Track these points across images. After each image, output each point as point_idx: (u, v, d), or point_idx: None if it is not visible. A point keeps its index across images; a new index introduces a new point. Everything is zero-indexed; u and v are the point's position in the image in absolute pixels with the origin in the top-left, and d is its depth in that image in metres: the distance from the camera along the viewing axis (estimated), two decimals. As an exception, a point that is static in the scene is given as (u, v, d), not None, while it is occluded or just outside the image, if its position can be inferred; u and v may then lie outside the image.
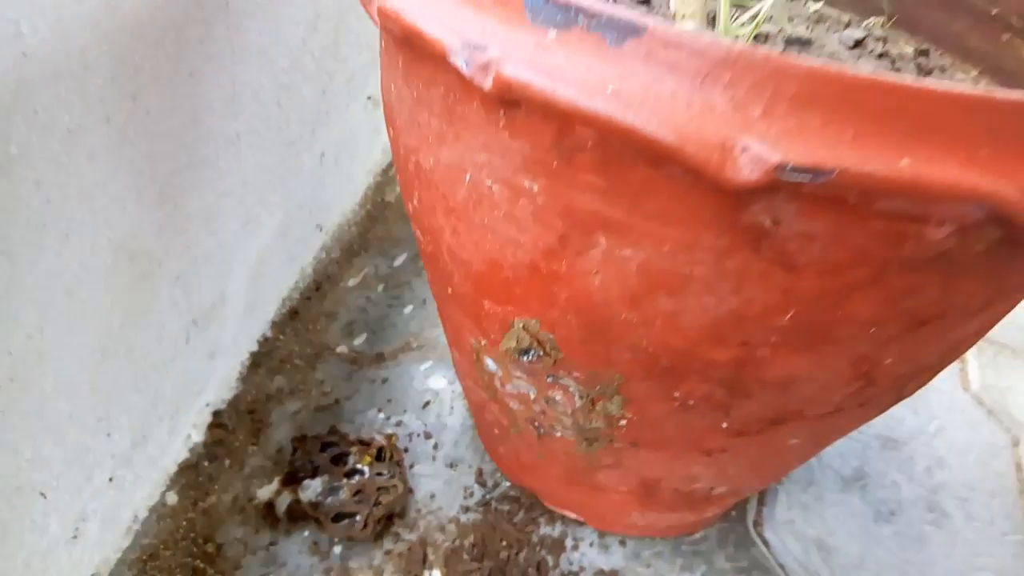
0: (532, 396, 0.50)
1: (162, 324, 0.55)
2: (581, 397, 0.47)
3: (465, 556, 0.60)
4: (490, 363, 0.51)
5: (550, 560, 0.61)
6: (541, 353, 0.45)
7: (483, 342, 0.49)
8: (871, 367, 0.39)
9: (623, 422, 0.47)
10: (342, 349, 0.76)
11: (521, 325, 0.44)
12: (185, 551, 0.59)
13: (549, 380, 0.47)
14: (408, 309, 0.81)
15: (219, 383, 0.67)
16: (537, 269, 0.40)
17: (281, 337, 0.75)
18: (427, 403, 0.72)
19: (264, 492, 0.62)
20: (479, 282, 0.44)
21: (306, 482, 0.61)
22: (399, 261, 0.87)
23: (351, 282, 0.83)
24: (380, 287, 0.84)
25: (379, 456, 0.64)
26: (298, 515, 0.61)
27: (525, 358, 0.46)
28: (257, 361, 0.72)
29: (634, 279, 0.37)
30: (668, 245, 0.35)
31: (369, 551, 0.60)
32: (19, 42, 0.35)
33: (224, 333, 0.66)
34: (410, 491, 0.64)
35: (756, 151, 0.29)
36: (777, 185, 0.29)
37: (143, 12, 0.43)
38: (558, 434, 0.52)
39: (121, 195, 0.46)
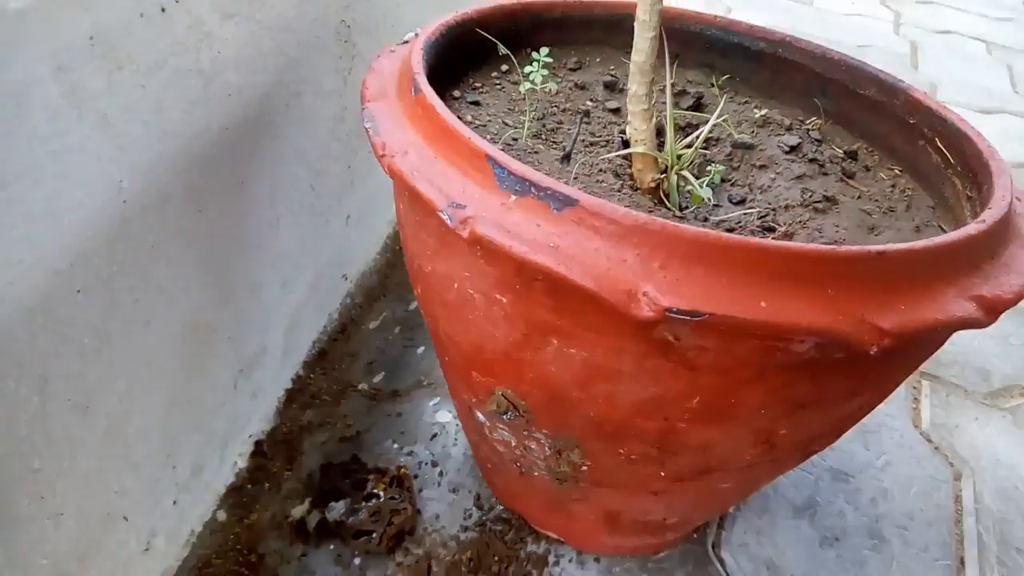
0: (513, 443, 0.62)
1: (216, 376, 0.68)
2: (550, 448, 0.58)
3: (463, 569, 0.72)
4: (480, 416, 0.62)
5: (535, 573, 0.72)
6: (517, 414, 0.56)
7: (473, 400, 0.61)
8: (769, 436, 0.50)
9: (584, 468, 0.58)
10: (363, 386, 0.88)
11: (500, 392, 0.56)
12: (233, 560, 0.71)
13: (525, 433, 0.58)
14: (420, 350, 0.93)
15: (260, 418, 0.80)
16: (509, 355, 0.51)
17: (312, 376, 0.87)
18: (435, 435, 0.84)
19: (297, 511, 0.75)
20: (467, 358, 0.56)
21: (332, 504, 0.73)
22: (413, 305, 0.99)
23: (372, 325, 0.96)
24: (397, 329, 0.96)
25: (392, 482, 0.76)
26: (325, 531, 0.73)
27: (505, 416, 0.57)
28: (291, 397, 0.84)
29: (579, 369, 0.48)
30: (601, 348, 0.46)
31: (383, 563, 0.72)
32: (120, 195, 0.47)
33: (265, 376, 0.78)
34: (418, 512, 0.76)
35: (652, 296, 0.40)
36: (670, 319, 0.41)
37: (209, 149, 0.55)
38: (536, 473, 0.64)
39: (188, 284, 0.59)
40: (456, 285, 0.51)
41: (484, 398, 0.58)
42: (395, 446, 0.82)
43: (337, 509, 0.73)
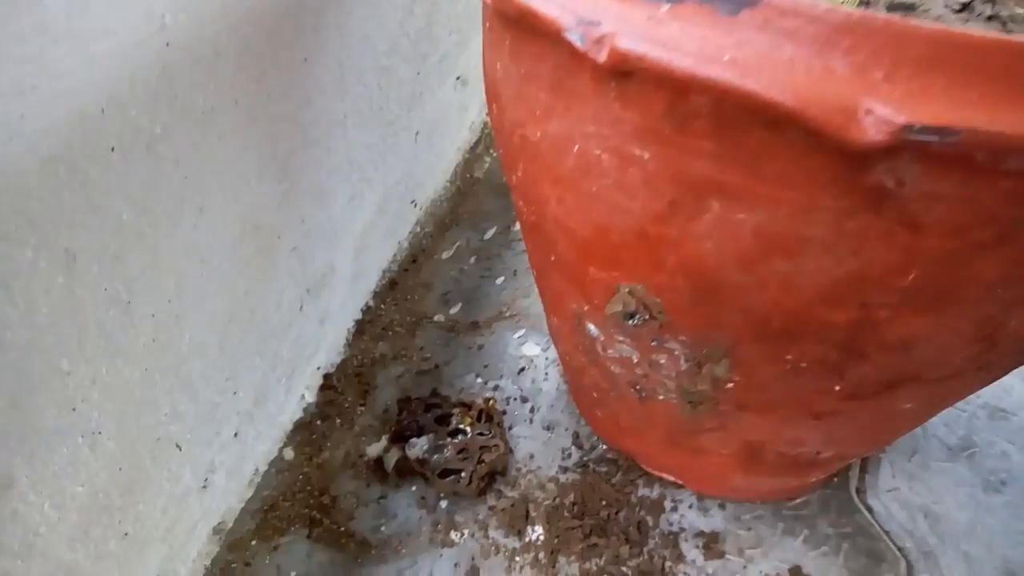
0: (635, 360, 0.51)
1: (280, 292, 0.59)
2: (687, 360, 0.47)
3: (566, 514, 0.62)
4: (592, 328, 0.52)
5: (650, 520, 0.62)
6: (647, 317, 0.45)
7: (586, 308, 0.50)
8: (995, 329, 0.39)
9: (730, 385, 0.47)
10: (439, 317, 0.79)
11: (627, 290, 0.45)
12: (302, 502, 0.63)
13: (653, 344, 0.48)
14: (500, 280, 0.83)
15: (329, 348, 0.71)
16: (645, 235, 0.40)
17: (383, 306, 0.78)
18: (522, 369, 0.74)
19: (373, 449, 0.66)
20: (584, 249, 0.45)
21: (413, 440, 0.64)
22: (489, 234, 0.89)
23: (444, 255, 0.86)
24: (472, 259, 0.86)
25: (480, 417, 0.67)
26: (406, 471, 0.64)
27: (630, 322, 0.47)
28: (362, 328, 0.75)
29: (748, 242, 0.37)
30: (785, 208, 0.35)
31: (474, 506, 0.62)
32: (163, 33, 0.38)
33: (333, 301, 0.69)
34: (510, 451, 0.66)
35: (881, 113, 0.29)
36: (902, 146, 0.29)
37: (266, 3, 0.45)
38: (660, 397, 0.53)
39: (247, 172, 0.49)
40: (576, 147, 0.40)
41: (602, 302, 0.48)
42: (479, 380, 0.72)
43: (419, 446, 0.64)
